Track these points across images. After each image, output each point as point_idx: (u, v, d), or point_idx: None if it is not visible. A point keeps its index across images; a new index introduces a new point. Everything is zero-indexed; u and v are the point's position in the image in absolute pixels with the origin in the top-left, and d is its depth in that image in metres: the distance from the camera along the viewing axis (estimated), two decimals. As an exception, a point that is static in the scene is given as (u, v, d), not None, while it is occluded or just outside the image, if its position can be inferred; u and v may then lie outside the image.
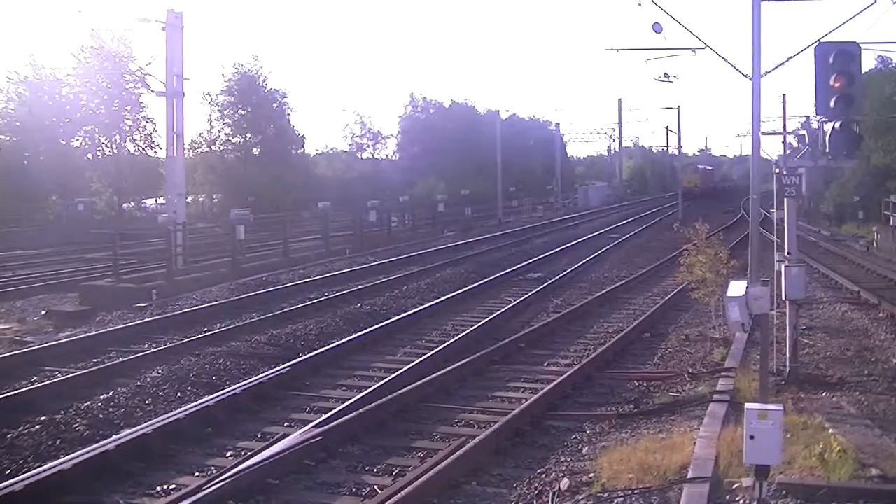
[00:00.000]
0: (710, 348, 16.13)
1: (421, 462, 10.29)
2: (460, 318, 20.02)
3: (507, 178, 68.85)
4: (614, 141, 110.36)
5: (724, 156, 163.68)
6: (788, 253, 13.71)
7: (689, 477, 8.88)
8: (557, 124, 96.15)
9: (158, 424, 11.09)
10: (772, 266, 14.83)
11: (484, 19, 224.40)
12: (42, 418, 11.42)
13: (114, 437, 10.68)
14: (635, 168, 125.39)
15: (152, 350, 15.95)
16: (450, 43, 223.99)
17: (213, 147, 63.90)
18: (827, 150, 12.94)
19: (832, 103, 12.19)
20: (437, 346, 16.32)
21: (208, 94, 63.37)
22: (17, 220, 47.51)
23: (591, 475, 9.50)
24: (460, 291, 23.48)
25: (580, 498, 8.89)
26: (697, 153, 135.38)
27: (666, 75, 37.33)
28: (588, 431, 11.56)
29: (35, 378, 14.15)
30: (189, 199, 45.41)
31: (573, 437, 11.37)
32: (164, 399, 12.86)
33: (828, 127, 12.70)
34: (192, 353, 15.56)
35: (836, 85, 12.11)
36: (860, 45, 12.62)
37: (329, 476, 9.90)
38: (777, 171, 14.11)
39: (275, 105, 65.54)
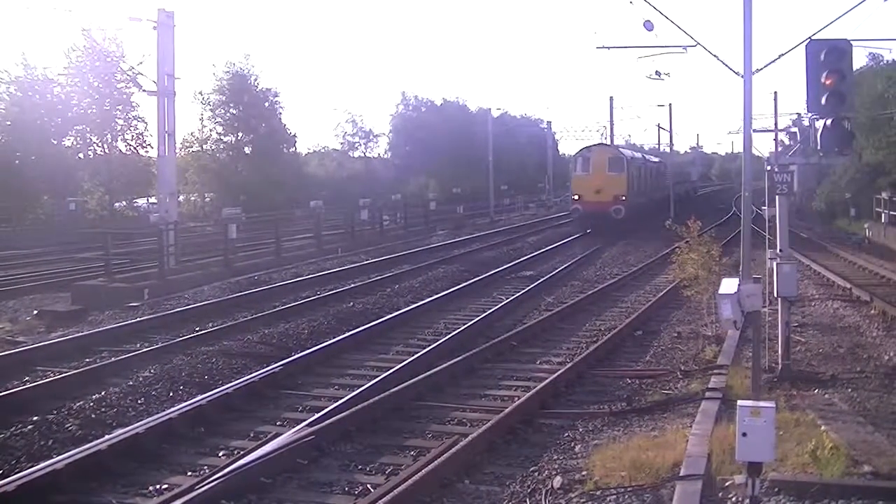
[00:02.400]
0: (703, 346, 16.16)
1: (414, 460, 10.30)
2: (453, 317, 20.03)
3: (498, 176, 68.91)
4: (606, 139, 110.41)
5: (716, 153, 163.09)
6: (780, 250, 13.74)
7: (681, 474, 8.89)
8: (549, 122, 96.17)
9: (151, 424, 11.08)
10: (764, 263, 14.87)
11: (475, 17, 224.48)
12: (34, 418, 11.40)
13: (106, 436, 10.67)
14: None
15: (144, 349, 15.92)
16: (441, 41, 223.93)
17: (204, 146, 63.64)
18: (818, 148, 12.95)
19: (823, 100, 12.21)
20: (430, 345, 16.32)
21: (200, 93, 63.26)
22: (8, 219, 47.38)
23: (584, 473, 9.51)
24: (452, 290, 23.49)
25: (573, 496, 8.90)
26: (689, 150, 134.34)
27: (657, 73, 37.39)
28: (581, 429, 11.56)
29: (27, 378, 14.11)
30: (181, 198, 45.39)
31: (566, 434, 11.37)
32: (156, 398, 12.85)
33: (819, 124, 12.71)
34: (185, 352, 15.54)
35: (828, 82, 12.13)
36: (851, 42, 12.67)
37: (322, 475, 9.90)
38: (769, 168, 14.14)
39: (266, 104, 65.36)
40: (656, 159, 62.85)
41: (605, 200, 43.29)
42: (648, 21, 15.80)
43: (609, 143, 60.13)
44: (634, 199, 46.09)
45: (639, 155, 54.08)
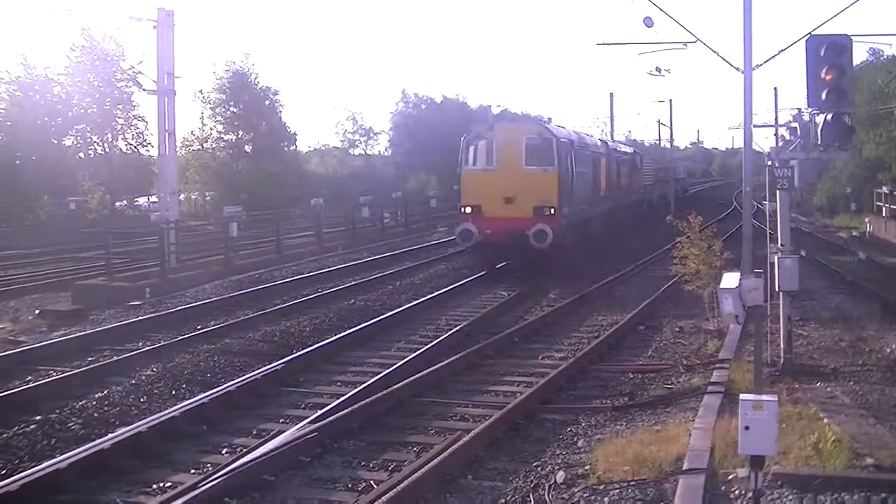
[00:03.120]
0: (705, 340, 16.17)
1: (416, 457, 10.30)
2: (454, 313, 20.03)
3: (499, 173, 68.67)
4: (607, 135, 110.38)
5: (717, 148, 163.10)
6: (782, 244, 13.73)
7: (684, 468, 8.91)
8: (549, 118, 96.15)
9: (153, 422, 11.09)
10: (765, 257, 14.87)
11: (475, 14, 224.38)
12: (37, 418, 11.42)
13: (109, 435, 10.68)
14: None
15: (146, 348, 15.92)
16: (441, 38, 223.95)
17: (205, 145, 63.54)
18: (819, 143, 12.95)
19: (824, 95, 12.22)
20: (432, 341, 16.33)
21: (200, 91, 63.19)
22: (8, 219, 47.37)
23: (587, 468, 9.53)
24: (454, 286, 23.47)
25: (576, 490, 8.91)
26: (689, 146, 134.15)
27: (658, 69, 37.39)
28: (583, 424, 11.57)
29: (29, 378, 14.13)
30: (182, 196, 45.31)
31: (568, 429, 11.38)
32: (158, 397, 12.86)
33: (819, 119, 12.71)
34: (187, 350, 15.56)
35: (828, 77, 12.14)
36: (851, 37, 12.67)
37: (324, 472, 9.90)
38: (769, 163, 14.15)
39: (266, 102, 65.28)
40: (628, 150, 46.22)
41: (520, 216, 25.21)
42: (648, 17, 15.79)
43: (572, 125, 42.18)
44: (577, 213, 28.30)
45: (592, 140, 35.33)
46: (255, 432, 11.39)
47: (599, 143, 36.51)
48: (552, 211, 25.47)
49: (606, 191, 34.87)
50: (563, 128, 30.89)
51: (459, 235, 26.06)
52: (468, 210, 26.07)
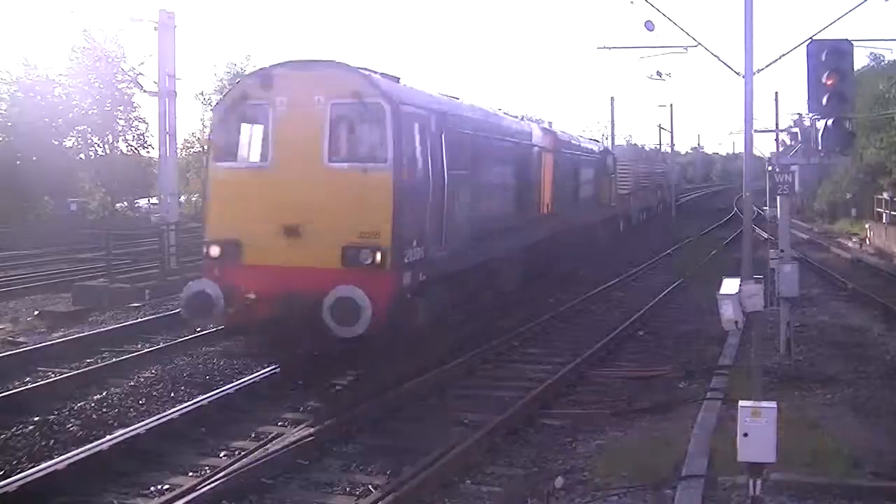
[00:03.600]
0: (704, 346, 16.14)
1: (415, 461, 10.28)
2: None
3: (500, 176, 68.53)
4: (607, 139, 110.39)
5: (717, 153, 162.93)
6: (782, 250, 13.73)
7: (683, 475, 8.89)
8: (550, 122, 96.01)
9: (152, 424, 11.09)
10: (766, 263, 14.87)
11: (475, 18, 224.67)
12: (35, 419, 11.41)
13: (107, 437, 10.67)
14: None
15: (146, 350, 15.93)
16: (442, 42, 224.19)
17: (205, 146, 63.68)
18: (820, 148, 12.95)
19: (825, 100, 12.20)
20: (430, 345, 16.28)
21: (201, 93, 63.23)
22: (8, 220, 47.38)
23: (586, 473, 9.51)
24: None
25: (575, 496, 8.90)
26: (690, 151, 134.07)
27: (658, 73, 37.45)
28: (582, 429, 11.55)
29: (28, 378, 14.13)
30: (182, 198, 45.32)
31: (567, 435, 11.36)
32: (157, 399, 12.83)
33: (820, 124, 12.72)
34: (186, 352, 15.56)
35: (829, 82, 12.12)
36: (853, 42, 12.67)
37: (323, 475, 9.88)
38: (770, 168, 14.17)
39: (267, 104, 65.33)
40: (592, 146, 33.92)
41: (313, 266, 12.64)
42: (649, 21, 15.75)
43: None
44: (454, 257, 15.28)
45: (518, 125, 22.69)
46: (253, 435, 11.38)
47: (541, 132, 23.84)
48: (379, 256, 12.69)
49: (550, 206, 23.69)
50: (451, 98, 17.40)
51: (187, 305, 13.26)
52: (214, 251, 14.11)
